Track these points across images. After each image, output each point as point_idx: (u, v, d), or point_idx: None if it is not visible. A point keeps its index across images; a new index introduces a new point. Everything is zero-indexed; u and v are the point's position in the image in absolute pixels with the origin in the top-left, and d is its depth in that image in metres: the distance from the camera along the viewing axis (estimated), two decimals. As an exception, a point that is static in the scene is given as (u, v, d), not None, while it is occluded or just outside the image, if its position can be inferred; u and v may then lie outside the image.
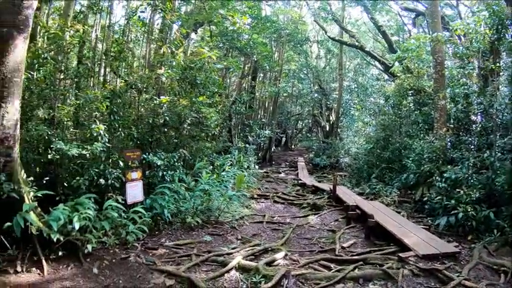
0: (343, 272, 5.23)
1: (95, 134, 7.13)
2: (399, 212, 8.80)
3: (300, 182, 14.76)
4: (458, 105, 9.67)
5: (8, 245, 5.30)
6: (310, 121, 30.96)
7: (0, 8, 5.83)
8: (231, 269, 5.52)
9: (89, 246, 5.89)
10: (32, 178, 6.02)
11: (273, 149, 22.95)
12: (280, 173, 18.38)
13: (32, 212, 5.53)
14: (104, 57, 9.90)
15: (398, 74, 13.31)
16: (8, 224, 5.28)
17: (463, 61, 10.33)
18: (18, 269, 5.30)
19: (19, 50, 5.86)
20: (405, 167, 10.81)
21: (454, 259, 5.86)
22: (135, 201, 7.41)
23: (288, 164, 21.63)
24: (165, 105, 8.86)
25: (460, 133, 9.63)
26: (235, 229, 8.21)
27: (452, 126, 9.91)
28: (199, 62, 10.29)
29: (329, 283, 4.95)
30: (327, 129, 23.83)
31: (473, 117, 9.69)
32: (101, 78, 10.31)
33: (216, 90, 11.68)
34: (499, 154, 7.86)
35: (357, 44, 18.53)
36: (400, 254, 5.79)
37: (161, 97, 8.95)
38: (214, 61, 11.17)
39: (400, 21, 21.54)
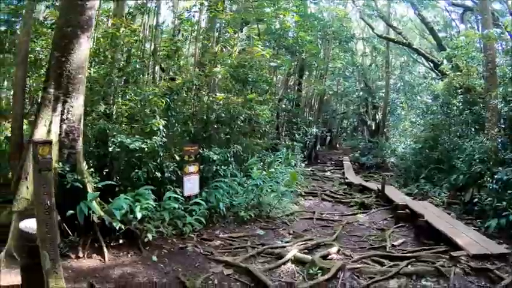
0: (396, 268, 5.50)
1: (154, 129, 7.56)
2: (448, 214, 8.87)
3: (346, 180, 14.94)
4: (510, 104, 9.57)
5: (69, 232, 5.58)
6: (355, 120, 30.78)
7: (65, 9, 6.34)
8: (287, 261, 5.83)
9: (149, 235, 6.21)
10: (92, 170, 6.50)
11: (317, 148, 23.16)
12: (325, 171, 18.60)
13: (94, 201, 5.92)
14: (152, 56, 10.62)
15: (447, 72, 13.18)
16: (71, 211, 5.63)
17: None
18: (80, 254, 5.61)
19: (83, 49, 6.22)
20: (454, 168, 10.77)
21: (505, 260, 5.92)
22: (191, 194, 7.79)
23: (333, 162, 21.76)
24: (220, 102, 9.31)
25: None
26: (286, 224, 8.60)
27: (503, 126, 9.81)
28: (251, 60, 10.69)
29: (383, 277, 5.23)
30: (373, 128, 23.73)
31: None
32: (150, 76, 11.02)
33: (267, 88, 12.10)
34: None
35: (404, 41, 18.38)
36: (452, 253, 5.96)
37: (217, 94, 9.42)
38: (267, 59, 11.57)
39: (448, 17, 20.99)
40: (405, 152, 16.22)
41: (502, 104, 9.96)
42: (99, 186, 6.30)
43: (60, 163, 5.95)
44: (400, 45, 21.12)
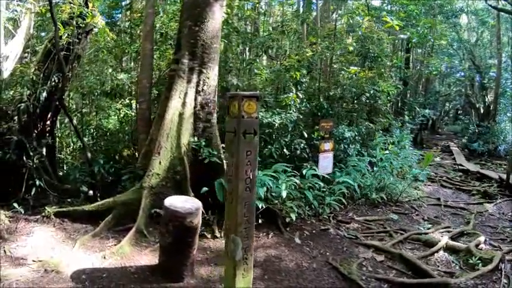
0: None
1: (291, 103, 7.47)
2: None
3: (460, 167, 14.61)
4: None
5: (203, 211, 5.19)
6: (458, 102, 29.01)
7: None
8: (439, 249, 5.81)
9: (292, 216, 5.97)
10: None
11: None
12: (435, 156, 18.16)
13: None
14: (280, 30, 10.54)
15: None
16: (205, 189, 5.53)
17: None
18: (217, 234, 5.49)
19: (217, 17, 6.06)
20: None
21: None
22: (325, 173, 7.62)
23: (439, 148, 21.06)
24: (353, 76, 9.21)
25: None
26: (416, 210, 8.71)
27: None
28: (374, 33, 10.48)
29: None
30: (481, 111, 22.33)
31: None
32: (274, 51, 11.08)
33: (388, 63, 11.75)
34: None
35: None
36: None
37: (351, 67, 9.37)
38: (394, 32, 11.15)
39: None
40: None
41: None
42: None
43: (196, 137, 5.95)
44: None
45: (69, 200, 6.05)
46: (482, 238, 6.54)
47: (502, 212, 9.26)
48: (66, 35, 6.15)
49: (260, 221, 5.85)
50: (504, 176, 11.64)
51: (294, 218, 6.03)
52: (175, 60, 6.28)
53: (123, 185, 6.09)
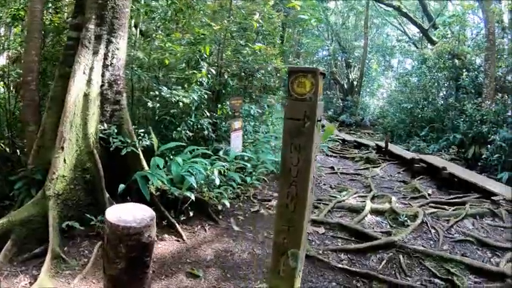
0: (463, 211, 6.23)
1: (201, 80, 6.94)
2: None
3: (336, 137, 15.76)
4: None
5: None
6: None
7: None
8: (367, 213, 6.04)
9: (226, 202, 5.51)
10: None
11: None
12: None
13: (157, 169, 5.04)
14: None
15: (436, 39, 14.16)
16: (123, 186, 4.76)
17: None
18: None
19: None
20: (447, 127, 11.98)
21: None
22: (237, 152, 7.27)
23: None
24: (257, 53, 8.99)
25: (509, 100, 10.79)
26: (317, 179, 8.88)
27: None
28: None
29: (457, 219, 5.90)
30: (346, 87, 24.63)
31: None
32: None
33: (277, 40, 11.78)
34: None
35: (394, 3, 18.67)
36: (493, 198, 6.83)
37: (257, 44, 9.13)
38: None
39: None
40: (387, 111, 17.32)
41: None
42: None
43: (104, 123, 4.95)
44: (380, 7, 21.62)
45: None
46: (394, 198, 7.01)
47: (390, 174, 10.15)
48: None
49: (191, 214, 5.27)
50: (380, 143, 12.98)
51: (228, 205, 5.58)
52: (74, 25, 5.03)
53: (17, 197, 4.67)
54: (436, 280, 4.28)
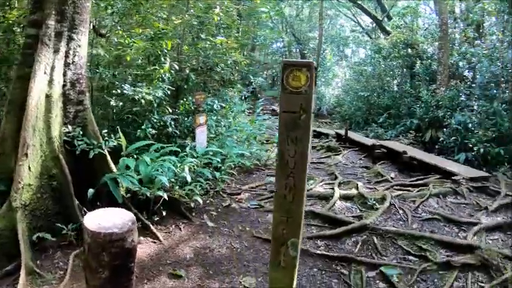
0: (427, 191, 6.53)
1: (162, 76, 6.79)
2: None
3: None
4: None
5: None
6: (275, 70, 31.60)
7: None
8: (336, 199, 6.17)
9: (199, 199, 5.47)
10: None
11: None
12: (265, 119, 19.33)
13: (127, 170, 4.96)
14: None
15: (390, 29, 14.68)
16: (92, 190, 4.58)
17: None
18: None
19: None
20: (403, 113, 12.49)
21: (487, 181, 7.37)
22: (202, 147, 7.18)
23: (266, 112, 22.56)
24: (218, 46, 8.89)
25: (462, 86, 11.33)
26: None
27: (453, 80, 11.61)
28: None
29: (423, 199, 6.18)
30: (301, 77, 24.80)
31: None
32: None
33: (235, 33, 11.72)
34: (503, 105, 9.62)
35: None
36: (453, 178, 7.22)
37: (218, 37, 8.99)
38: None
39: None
40: (343, 99, 17.74)
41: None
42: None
43: (68, 125, 4.74)
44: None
45: None
46: (360, 183, 7.20)
47: (352, 161, 10.39)
48: None
49: (164, 213, 5.18)
50: (340, 131, 13.27)
51: (200, 201, 5.54)
52: (33, 22, 4.70)
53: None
54: (410, 257, 4.49)
